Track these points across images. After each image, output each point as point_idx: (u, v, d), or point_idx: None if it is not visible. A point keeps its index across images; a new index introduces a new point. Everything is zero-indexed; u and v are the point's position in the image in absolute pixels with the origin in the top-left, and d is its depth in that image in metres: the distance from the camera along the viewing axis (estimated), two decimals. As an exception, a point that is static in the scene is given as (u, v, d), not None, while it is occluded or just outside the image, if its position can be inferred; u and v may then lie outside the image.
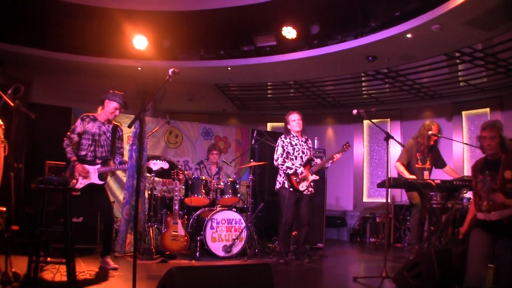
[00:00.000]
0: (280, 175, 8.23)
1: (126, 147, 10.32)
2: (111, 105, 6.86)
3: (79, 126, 6.70)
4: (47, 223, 5.23)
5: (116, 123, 7.06)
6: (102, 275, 6.20)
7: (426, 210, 7.89)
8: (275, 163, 8.25)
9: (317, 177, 8.21)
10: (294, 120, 8.26)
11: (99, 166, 6.66)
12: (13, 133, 5.50)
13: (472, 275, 4.79)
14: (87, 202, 6.97)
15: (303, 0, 11.49)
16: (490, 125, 5.27)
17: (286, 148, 8.21)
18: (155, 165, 7.59)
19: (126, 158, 7.06)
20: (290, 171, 8.08)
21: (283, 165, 8.15)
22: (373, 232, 12.42)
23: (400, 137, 13.38)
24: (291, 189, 8.03)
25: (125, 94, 7.13)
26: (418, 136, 8.44)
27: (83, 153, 6.66)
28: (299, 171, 8.02)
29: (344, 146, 8.18)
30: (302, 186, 8.02)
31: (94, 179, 6.60)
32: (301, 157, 8.16)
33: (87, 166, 6.59)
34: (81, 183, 6.51)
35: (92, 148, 6.69)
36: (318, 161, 8.32)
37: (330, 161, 8.20)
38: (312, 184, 8.16)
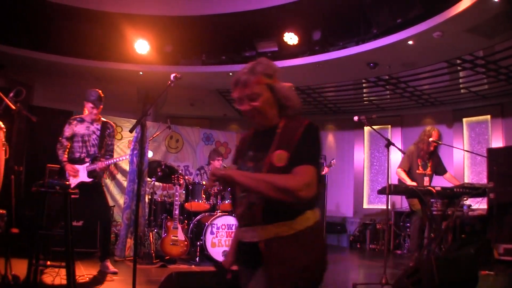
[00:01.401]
0: None
1: (127, 151, 10.38)
2: (87, 106, 6.90)
3: (67, 130, 6.79)
4: (47, 227, 5.23)
5: (105, 120, 7.11)
6: (100, 278, 6.19)
7: (426, 217, 7.88)
8: None
9: None
10: None
11: (87, 164, 6.68)
12: (15, 136, 5.52)
13: None
14: (85, 204, 6.93)
15: (305, 6, 11.50)
16: (246, 72, 2.79)
17: None
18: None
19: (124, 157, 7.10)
20: None
21: None
22: (373, 238, 12.41)
23: (401, 144, 13.38)
24: None
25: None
26: (418, 142, 8.43)
27: (76, 155, 6.73)
28: None
29: (332, 162, 8.21)
30: None
31: (83, 177, 6.63)
32: None
33: (76, 166, 6.65)
34: (72, 182, 6.51)
35: (84, 149, 6.75)
36: None
37: None
38: None
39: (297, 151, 2.62)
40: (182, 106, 15.00)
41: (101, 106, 6.96)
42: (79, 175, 6.63)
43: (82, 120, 6.88)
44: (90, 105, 6.86)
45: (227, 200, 8.86)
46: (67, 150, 6.77)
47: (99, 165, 6.78)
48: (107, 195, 9.56)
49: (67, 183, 6.37)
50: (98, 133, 6.89)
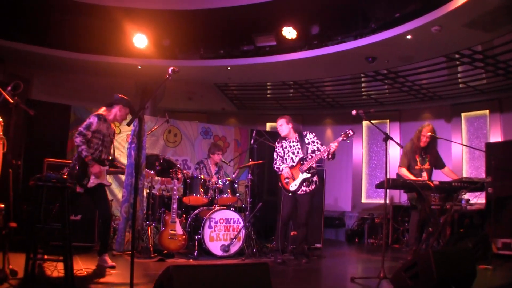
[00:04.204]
0: None
1: (125, 145, 10.39)
2: (124, 111, 6.89)
3: (95, 124, 6.56)
4: (50, 221, 5.23)
5: (114, 127, 7.11)
6: (99, 272, 6.20)
7: (424, 211, 7.88)
8: (274, 167, 8.39)
9: (308, 175, 8.01)
10: (280, 126, 8.32)
11: (107, 167, 6.68)
12: (12, 129, 5.51)
13: None
14: (86, 199, 6.93)
15: (303, 0, 11.49)
16: None
17: (280, 152, 8.35)
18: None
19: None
20: (279, 172, 8.21)
21: (274, 166, 8.34)
22: (371, 233, 12.41)
23: (399, 138, 13.40)
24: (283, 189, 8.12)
25: (124, 92, 7.11)
26: (413, 138, 8.46)
27: (91, 151, 6.53)
28: (280, 168, 8.15)
29: (343, 135, 7.73)
30: (292, 186, 8.00)
31: (104, 180, 6.62)
32: (292, 158, 8.16)
33: (102, 167, 6.60)
34: (93, 182, 6.49)
35: (100, 148, 6.62)
36: (316, 154, 8.25)
37: (326, 153, 8.02)
38: (306, 183, 8.10)
39: None
40: (180, 100, 15.01)
41: None
42: (102, 177, 6.61)
43: (105, 120, 6.77)
44: (127, 111, 6.93)
45: (225, 194, 8.87)
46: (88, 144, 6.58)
47: (120, 171, 6.85)
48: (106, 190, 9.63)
49: (91, 181, 6.46)
50: (111, 138, 6.90)
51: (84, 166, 6.46)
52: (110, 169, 6.81)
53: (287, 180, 8.02)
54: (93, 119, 6.59)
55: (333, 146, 7.82)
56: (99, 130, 6.60)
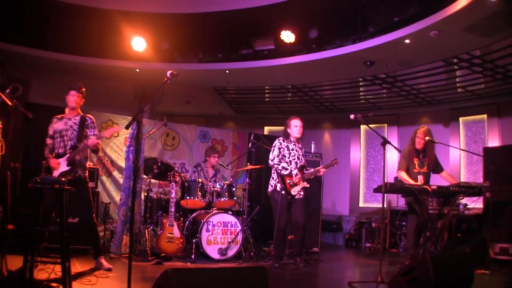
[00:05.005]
0: (273, 178, 8.15)
1: (123, 148, 10.38)
2: (69, 95, 7.09)
3: (49, 129, 6.87)
4: (42, 223, 5.23)
5: (83, 114, 7.14)
6: (95, 275, 6.18)
7: (422, 216, 7.87)
8: (271, 162, 8.08)
9: (308, 185, 8.10)
10: (296, 126, 8.14)
11: (67, 155, 6.68)
12: (11, 132, 5.50)
13: None
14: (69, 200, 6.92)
15: (302, 4, 11.51)
16: None
17: (283, 151, 8.10)
18: None
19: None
20: (285, 172, 7.98)
21: (279, 165, 8.00)
22: (368, 237, 12.42)
23: (397, 143, 13.40)
24: (283, 192, 7.91)
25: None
26: (409, 141, 8.47)
27: (57, 150, 6.75)
28: (294, 172, 7.97)
29: (333, 161, 8.21)
30: (294, 191, 7.94)
31: (63, 167, 6.62)
32: (296, 163, 8.07)
33: (58, 159, 6.65)
34: (54, 175, 6.54)
35: (62, 144, 6.75)
36: (310, 170, 8.31)
37: (315, 175, 8.27)
38: (302, 190, 8.12)
39: None
40: (179, 103, 14.99)
41: (83, 99, 7.20)
42: (60, 166, 6.63)
43: (61, 118, 6.97)
44: (70, 92, 7.06)
45: (222, 197, 8.86)
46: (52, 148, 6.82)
47: (77, 150, 6.76)
48: (99, 192, 9.60)
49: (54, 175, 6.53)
50: (75, 127, 6.90)
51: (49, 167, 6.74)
52: (70, 155, 6.72)
53: (291, 182, 7.96)
54: (49, 126, 6.94)
55: (322, 170, 8.34)
56: (55, 130, 6.84)
